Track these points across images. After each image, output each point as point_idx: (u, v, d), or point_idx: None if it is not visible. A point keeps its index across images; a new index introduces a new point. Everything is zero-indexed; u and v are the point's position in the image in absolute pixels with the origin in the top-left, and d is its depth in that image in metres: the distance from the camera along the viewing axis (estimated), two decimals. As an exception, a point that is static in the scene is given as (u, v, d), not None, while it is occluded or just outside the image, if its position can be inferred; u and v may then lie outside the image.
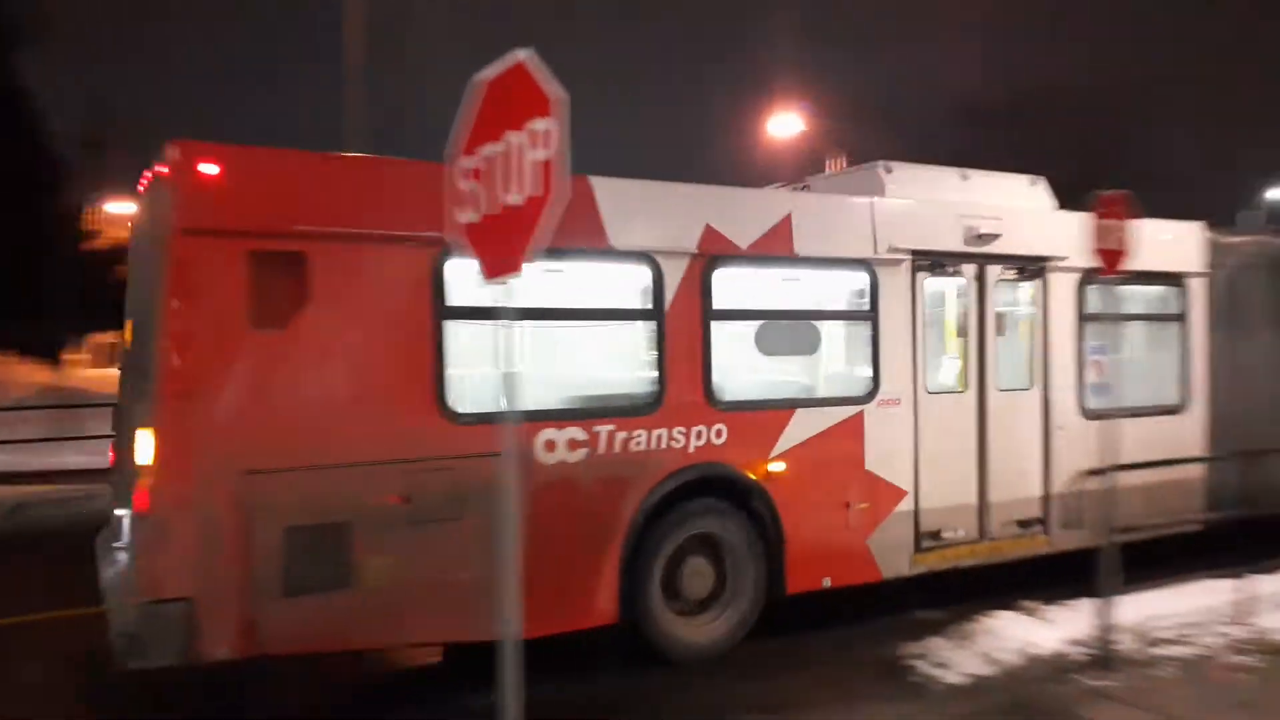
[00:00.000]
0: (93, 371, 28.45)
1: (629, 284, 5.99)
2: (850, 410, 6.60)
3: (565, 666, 5.65)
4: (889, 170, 7.16)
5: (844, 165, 19.32)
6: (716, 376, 6.07)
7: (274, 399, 4.88)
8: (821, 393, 7.05)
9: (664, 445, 5.83)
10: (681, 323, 5.94)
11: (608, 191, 5.74)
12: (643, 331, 5.97)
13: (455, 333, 5.28)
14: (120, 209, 22.89)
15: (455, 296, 5.27)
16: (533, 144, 2.96)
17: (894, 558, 6.75)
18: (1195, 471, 7.98)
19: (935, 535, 6.95)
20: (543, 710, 3.52)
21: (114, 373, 13.21)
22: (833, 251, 6.66)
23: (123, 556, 5.01)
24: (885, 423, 6.70)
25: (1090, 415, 7.38)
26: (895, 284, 6.79)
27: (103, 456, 6.46)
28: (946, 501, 6.98)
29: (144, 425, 4.68)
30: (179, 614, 4.55)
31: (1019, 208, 7.56)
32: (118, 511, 5.34)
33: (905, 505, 6.79)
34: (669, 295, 5.91)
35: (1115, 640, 5.58)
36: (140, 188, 5.57)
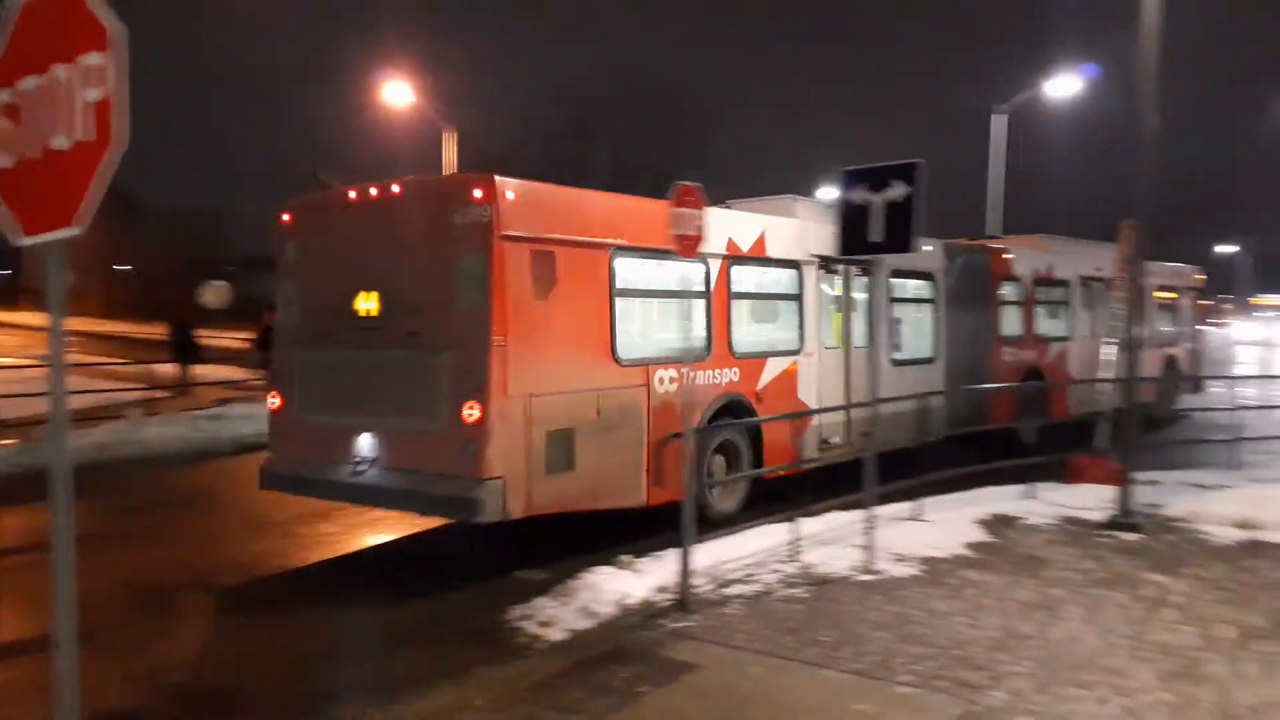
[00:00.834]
0: None
1: (692, 275, 8.79)
2: (791, 359, 10.14)
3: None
4: (796, 200, 10.75)
5: (455, 139, 19.33)
6: (734, 337, 9.41)
7: (542, 347, 7.36)
8: (780, 347, 10.11)
9: (712, 381, 9.09)
10: (717, 302, 9.17)
11: None
12: (699, 307, 8.97)
13: (619, 306, 8.13)
14: None
15: (620, 282, 8.13)
16: (85, 81, 2.55)
17: (810, 454, 10.34)
18: (941, 401, 11.94)
19: (827, 440, 10.63)
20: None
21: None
22: (786, 255, 10.13)
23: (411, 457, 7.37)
24: (807, 367, 10.32)
25: (894, 364, 11.39)
26: (810, 277, 10.40)
27: None
28: (831, 419, 10.65)
29: (471, 364, 7.04)
30: (499, 487, 6.97)
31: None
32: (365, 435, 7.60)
33: (815, 421, 10.38)
34: (712, 283, 9.09)
35: (694, 585, 6.21)
36: (438, 201, 7.51)
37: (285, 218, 8.47)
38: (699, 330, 8.93)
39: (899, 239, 6.55)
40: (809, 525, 8.06)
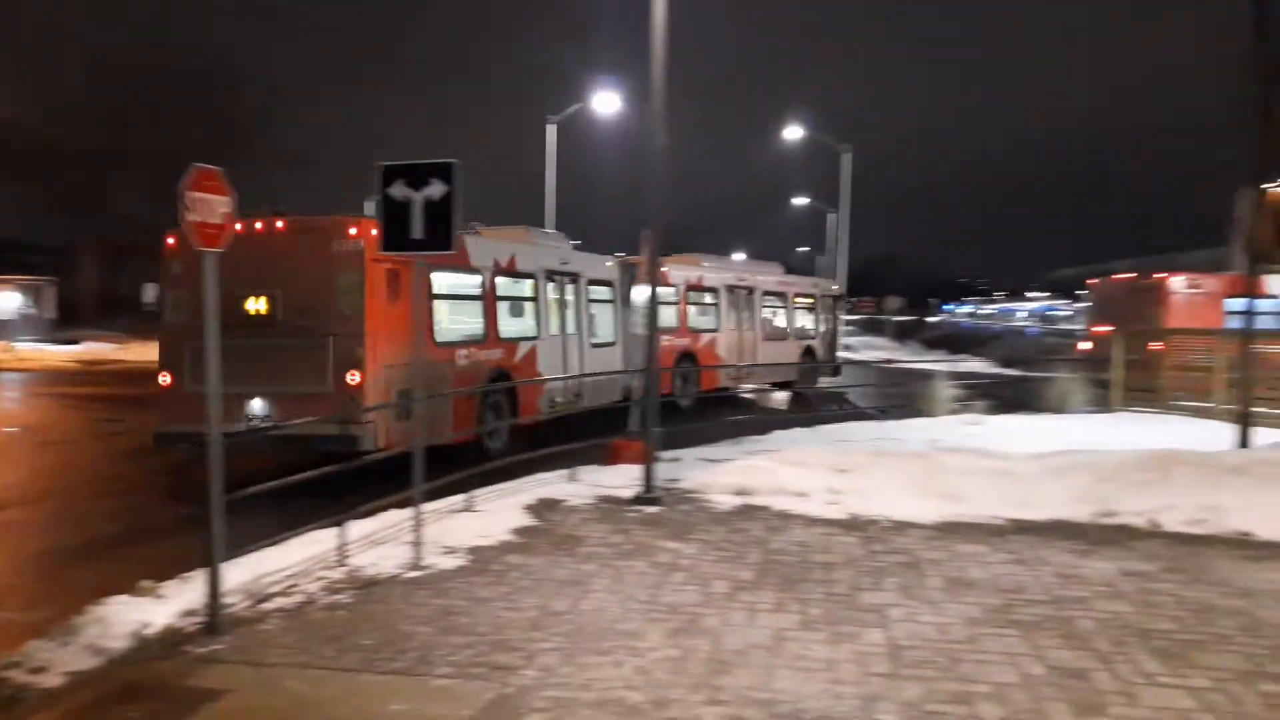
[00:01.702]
0: None
1: (476, 283, 13.28)
2: (533, 343, 14.54)
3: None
4: (531, 230, 15.98)
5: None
6: (500, 327, 13.65)
7: (394, 335, 10.98)
8: (526, 334, 14.46)
9: (488, 357, 13.22)
10: (489, 302, 13.46)
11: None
12: (480, 306, 13.38)
13: (436, 306, 12.16)
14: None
15: (435, 289, 12.13)
16: None
17: (545, 410, 14.60)
18: (620, 378, 16.63)
19: (554, 400, 15.13)
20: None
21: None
22: (528, 270, 14.79)
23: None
24: (541, 348, 14.76)
25: (593, 346, 16.57)
26: (543, 285, 15.06)
27: None
28: (555, 385, 15.02)
29: (351, 346, 10.73)
30: (373, 429, 10.55)
31: (585, 255, 17.42)
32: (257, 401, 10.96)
33: (546, 386, 14.87)
34: (485, 290, 13.51)
35: (226, 604, 5.78)
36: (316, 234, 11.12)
37: (170, 241, 11.41)
38: (479, 322, 13.39)
39: (441, 238, 6.65)
40: (362, 526, 7.91)
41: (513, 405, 13.73)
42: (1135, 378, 18.22)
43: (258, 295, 10.97)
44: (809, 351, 24.78)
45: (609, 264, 17.79)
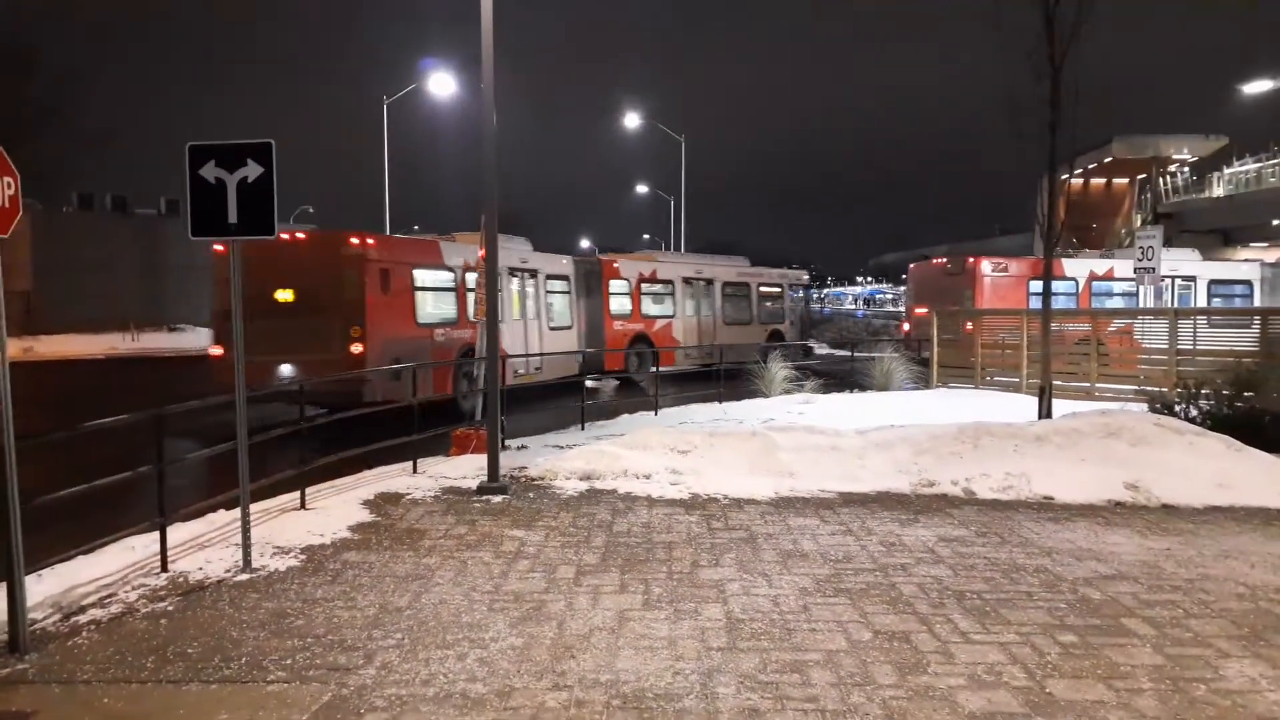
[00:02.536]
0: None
1: (450, 278, 17.40)
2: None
3: None
4: (528, 242, 21.09)
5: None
6: (469, 312, 17.01)
7: (386, 315, 15.43)
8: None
9: (459, 337, 17.15)
10: (461, 293, 17.51)
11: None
12: (453, 296, 17.53)
13: (418, 296, 16.58)
14: None
15: (417, 283, 16.50)
16: None
17: (511, 380, 16.81)
18: (574, 356, 20.44)
19: (518, 371, 18.01)
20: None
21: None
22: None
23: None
24: (505, 330, 17.12)
25: (551, 329, 20.70)
26: (506, 279, 18.85)
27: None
28: (518, 360, 18.21)
29: (354, 325, 14.81)
30: (370, 386, 14.15)
31: (541, 255, 21.16)
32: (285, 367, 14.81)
33: (511, 361, 17.23)
34: (458, 283, 17.59)
35: (33, 619, 5.35)
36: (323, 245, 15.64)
37: (218, 248, 15.21)
38: (453, 308, 17.34)
39: (260, 221, 6.34)
40: (186, 529, 7.51)
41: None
42: (952, 355, 19.48)
43: (285, 288, 14.96)
44: (776, 334, 28.04)
45: (564, 261, 22.09)
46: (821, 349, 34.38)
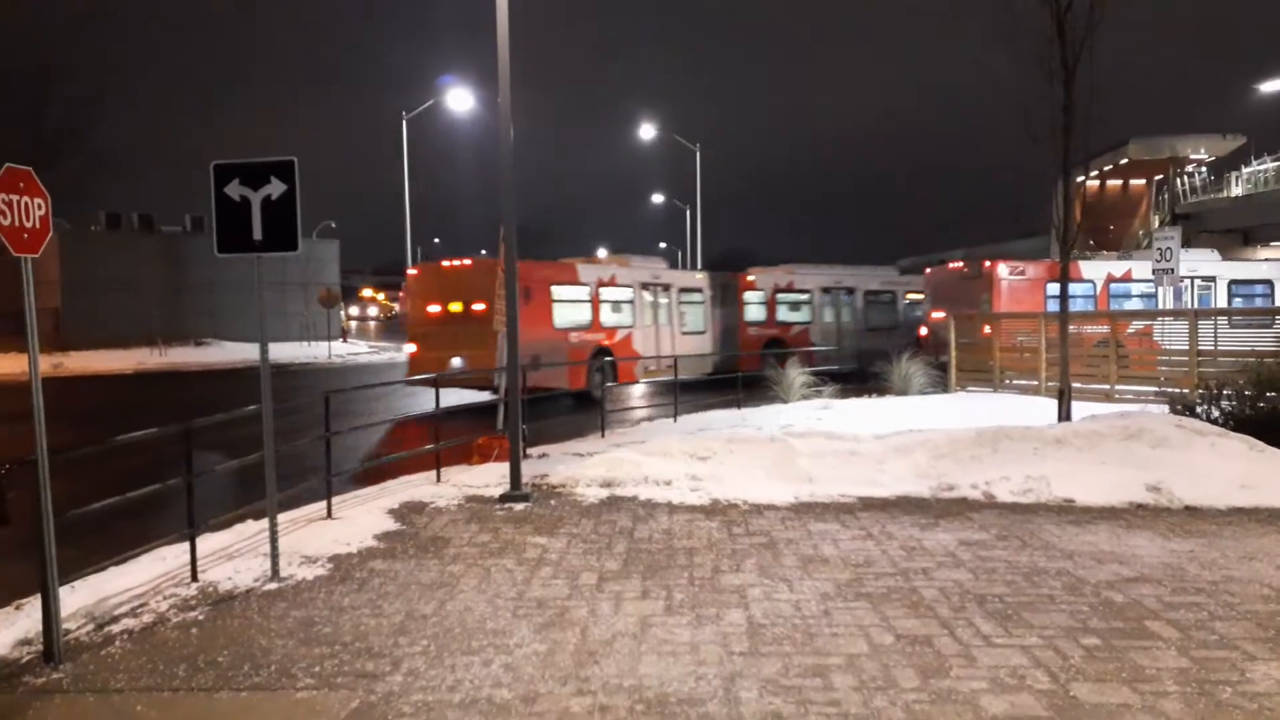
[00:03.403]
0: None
1: (584, 292, 21.66)
2: (629, 330, 22.60)
3: None
4: (631, 256, 24.34)
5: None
6: (601, 319, 21.70)
7: (528, 322, 16.79)
8: (623, 324, 22.41)
9: (592, 339, 21.22)
10: (594, 303, 21.50)
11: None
12: (587, 306, 21.42)
13: (555, 307, 20.67)
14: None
15: (554, 296, 20.90)
16: None
17: (641, 376, 22.42)
18: (710, 357, 23.60)
19: (648, 368, 22.48)
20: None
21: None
22: (626, 283, 22.56)
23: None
24: (635, 335, 22.69)
25: (684, 334, 24.23)
26: (638, 292, 22.90)
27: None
28: (649, 359, 22.54)
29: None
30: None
31: (674, 272, 25.76)
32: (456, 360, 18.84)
33: (640, 360, 22.50)
34: (590, 295, 21.70)
35: (67, 629, 5.46)
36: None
37: (412, 271, 21.92)
38: (586, 316, 20.99)
39: (284, 238, 6.44)
40: (215, 540, 7.62)
41: (614, 372, 21.34)
42: (970, 359, 19.43)
43: (456, 301, 19.50)
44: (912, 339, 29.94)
45: (699, 276, 25.77)
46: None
